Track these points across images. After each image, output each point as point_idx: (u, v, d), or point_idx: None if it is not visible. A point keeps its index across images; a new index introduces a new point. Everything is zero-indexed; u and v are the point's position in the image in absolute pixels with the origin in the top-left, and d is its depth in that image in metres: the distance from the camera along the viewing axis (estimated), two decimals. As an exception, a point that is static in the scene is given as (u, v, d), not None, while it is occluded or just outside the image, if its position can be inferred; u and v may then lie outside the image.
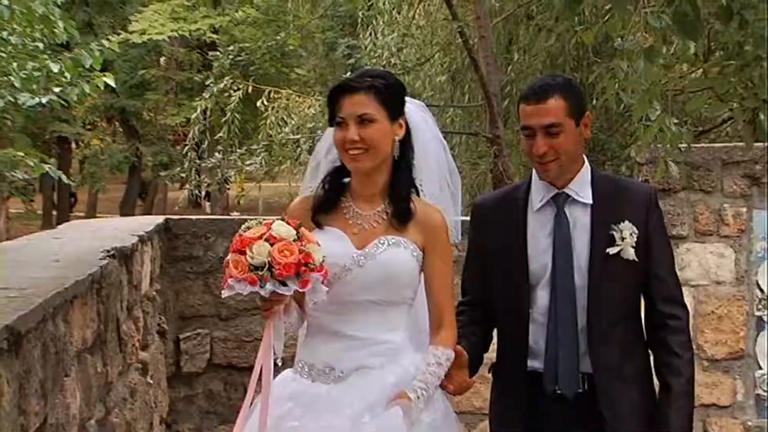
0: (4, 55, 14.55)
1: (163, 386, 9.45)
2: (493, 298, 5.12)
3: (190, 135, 23.44)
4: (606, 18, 6.39)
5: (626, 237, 4.69)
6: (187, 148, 24.02)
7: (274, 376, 4.71)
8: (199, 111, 22.37)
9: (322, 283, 4.44)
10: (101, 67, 15.67)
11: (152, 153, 41.25)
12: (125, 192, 46.30)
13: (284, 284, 4.31)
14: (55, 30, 15.41)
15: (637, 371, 4.94)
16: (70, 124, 37.65)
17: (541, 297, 4.91)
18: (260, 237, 4.37)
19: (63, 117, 31.69)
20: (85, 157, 44.64)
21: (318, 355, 4.78)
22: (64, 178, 22.45)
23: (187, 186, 25.19)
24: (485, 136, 18.81)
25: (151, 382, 8.84)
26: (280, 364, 4.73)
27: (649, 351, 5.09)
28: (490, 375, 5.47)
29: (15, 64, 14.65)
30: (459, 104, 20.73)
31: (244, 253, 4.35)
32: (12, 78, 14.59)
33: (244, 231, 4.47)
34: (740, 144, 11.29)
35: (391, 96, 4.73)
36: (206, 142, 21.53)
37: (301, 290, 4.39)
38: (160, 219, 10.68)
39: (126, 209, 41.50)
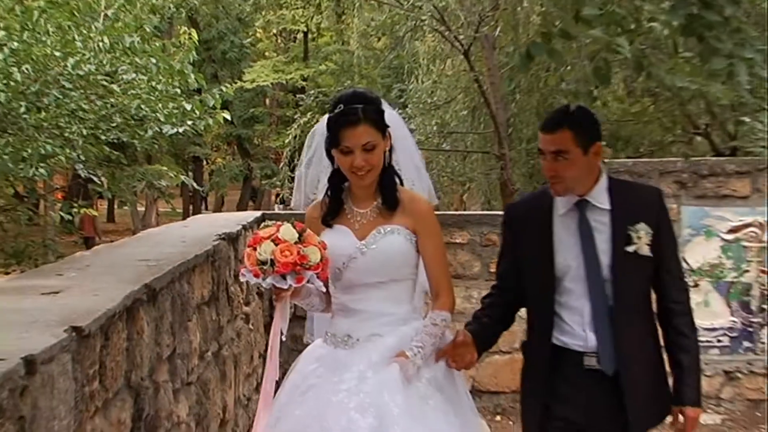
0: (152, 98, 14.63)
1: (261, 331, 9.53)
2: (524, 286, 4.84)
3: (285, 154, 23.73)
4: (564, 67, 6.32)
5: (642, 236, 4.47)
6: (282, 164, 24.31)
7: (280, 348, 4.57)
8: (291, 137, 22.46)
9: (319, 278, 4.30)
10: (222, 106, 15.80)
11: (260, 167, 41.57)
12: (240, 196, 46.86)
13: (284, 278, 4.17)
14: (188, 80, 15.53)
15: (651, 353, 4.71)
16: (201, 147, 37.98)
17: (571, 287, 4.64)
18: (269, 237, 4.24)
19: (196, 142, 31.84)
20: (212, 170, 45.15)
21: (339, 327, 4.61)
22: (195, 185, 22.33)
23: (282, 191, 25.62)
24: (495, 154, 18.84)
25: (252, 328, 8.95)
26: (284, 339, 4.61)
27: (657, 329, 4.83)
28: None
29: (160, 105, 14.73)
30: (476, 131, 20.75)
31: (255, 248, 4.23)
32: (158, 114, 14.68)
33: (261, 229, 4.36)
34: (673, 159, 11.37)
35: (381, 118, 4.51)
36: (296, 159, 21.57)
37: (296, 285, 4.23)
38: (258, 213, 10.83)
39: (241, 208, 42.10)
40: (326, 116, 4.65)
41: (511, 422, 9.75)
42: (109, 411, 3.98)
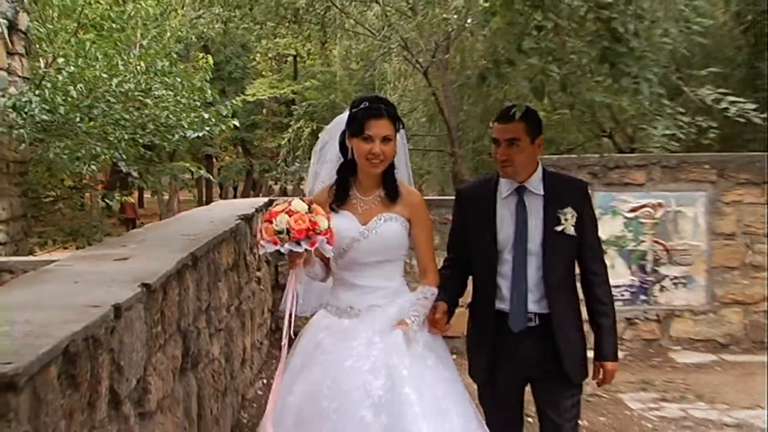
0: (178, 109, 14.68)
1: (269, 291, 9.59)
2: (470, 257, 4.68)
3: (281, 153, 23.61)
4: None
5: (568, 218, 4.39)
6: (279, 161, 24.18)
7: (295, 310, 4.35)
8: (285, 140, 22.36)
9: (328, 243, 4.15)
10: (231, 115, 15.88)
11: (259, 164, 41.34)
12: (243, 186, 46.69)
13: (299, 244, 4.03)
14: (206, 95, 15.56)
15: (574, 313, 4.56)
16: (212, 147, 37.76)
17: (509, 258, 4.48)
18: (283, 210, 4.11)
19: (209, 143, 31.69)
20: (221, 166, 44.89)
21: (341, 299, 4.44)
22: (212, 178, 22.25)
23: (279, 182, 25.51)
24: (447, 152, 18.82)
25: (263, 288, 9.00)
26: (301, 302, 4.57)
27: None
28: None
29: (184, 114, 14.78)
30: (432, 134, 20.76)
31: (271, 222, 4.09)
32: (183, 122, 14.73)
33: (273, 207, 4.20)
34: (587, 155, 11.62)
35: (398, 119, 4.43)
36: (290, 157, 21.52)
37: (310, 248, 4.08)
38: (265, 199, 10.81)
39: (245, 196, 42.02)
40: (337, 120, 4.65)
41: (464, 360, 9.86)
42: (166, 348, 4.12)
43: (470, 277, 4.79)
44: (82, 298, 3.15)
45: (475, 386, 4.87)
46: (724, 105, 6.14)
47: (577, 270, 4.78)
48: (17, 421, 2.18)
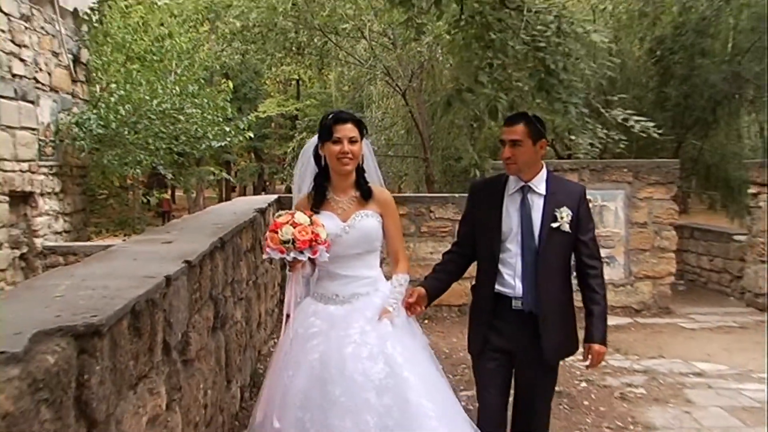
0: (204, 124, 14.78)
1: (278, 268, 9.40)
2: (476, 245, 4.42)
3: (286, 159, 23.51)
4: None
5: (564, 217, 4.14)
6: (284, 165, 24.12)
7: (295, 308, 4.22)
8: (290, 148, 22.28)
9: (326, 251, 3.96)
10: (246, 128, 15.98)
11: (268, 168, 41.23)
12: (255, 186, 46.53)
13: (302, 253, 3.88)
14: (227, 112, 15.65)
15: (563, 303, 4.27)
16: (230, 154, 37.58)
17: (510, 248, 4.24)
18: (287, 222, 3.93)
19: (227, 151, 31.65)
20: (238, 169, 44.72)
21: (327, 288, 4.21)
22: (230, 178, 22.21)
23: (285, 183, 25.44)
24: (421, 158, 18.87)
25: (274, 267, 8.96)
26: (300, 300, 4.31)
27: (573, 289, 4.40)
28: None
29: (209, 128, 14.86)
30: (409, 144, 20.71)
31: (276, 232, 3.91)
32: (208, 134, 14.82)
33: (277, 218, 4.03)
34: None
35: (362, 125, 4.23)
36: (294, 162, 21.56)
37: (312, 257, 3.91)
38: (275, 196, 10.80)
39: (257, 194, 41.90)
40: (310, 142, 4.46)
41: (433, 324, 9.91)
42: (202, 311, 4.21)
43: (469, 264, 4.59)
44: (142, 271, 3.27)
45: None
46: (631, 123, 6.37)
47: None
48: (102, 359, 2.34)
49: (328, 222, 4.08)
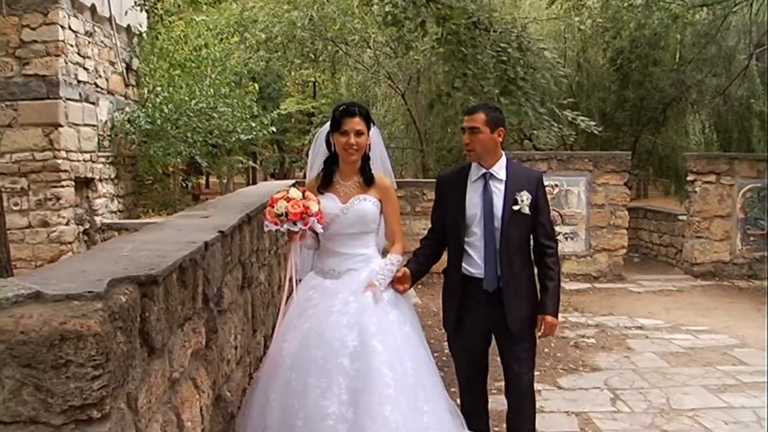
0: (234, 120, 14.98)
1: None
2: (445, 231, 4.28)
3: (304, 150, 23.50)
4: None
5: (524, 200, 3.98)
6: (303, 155, 24.18)
7: (296, 276, 4.09)
8: (307, 141, 22.24)
9: (318, 222, 3.87)
10: (269, 124, 16.20)
11: (289, 157, 41.24)
12: (278, 173, 46.58)
13: (295, 224, 3.79)
14: (253, 111, 15.88)
15: (526, 280, 4.11)
16: (256, 146, 37.57)
17: (475, 231, 4.08)
18: (281, 197, 3.87)
19: (253, 143, 31.74)
20: (263, 159, 44.75)
21: (326, 263, 4.09)
22: (256, 166, 22.37)
23: (303, 170, 25.54)
24: (418, 149, 19.05)
25: None
26: (299, 269, 4.19)
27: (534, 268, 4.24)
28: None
29: (239, 124, 15.10)
30: (408, 137, 20.88)
31: (273, 206, 3.88)
32: (238, 129, 15.05)
33: (275, 194, 3.96)
34: (508, 152, 12.06)
35: (369, 118, 4.10)
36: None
37: (304, 227, 3.81)
38: (293, 181, 10.87)
39: (278, 180, 41.81)
40: (323, 128, 4.30)
41: (425, 288, 9.88)
42: (233, 272, 4.36)
43: (443, 248, 4.43)
44: (185, 238, 3.49)
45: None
46: (578, 121, 6.67)
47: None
48: (158, 301, 2.64)
49: (329, 203, 4.01)
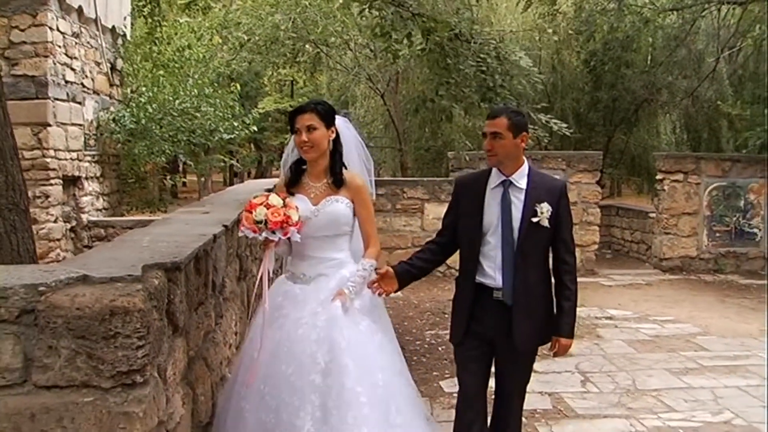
0: (217, 120, 15.10)
1: None
2: (459, 238, 4.03)
3: (284, 149, 23.59)
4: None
5: (544, 212, 3.75)
6: (280, 154, 24.27)
7: (269, 283, 3.85)
8: (285, 139, 22.32)
9: (298, 232, 3.70)
10: (251, 123, 16.43)
11: (266, 156, 41.25)
12: (255, 172, 46.35)
13: (273, 233, 3.64)
14: (234, 110, 16.09)
15: (540, 295, 3.88)
16: (233, 145, 37.56)
17: (491, 241, 3.87)
18: (261, 203, 3.71)
19: (232, 142, 31.73)
20: (238, 158, 44.57)
21: (297, 267, 3.93)
22: (237, 165, 22.46)
23: (279, 169, 25.49)
24: (397, 148, 19.19)
25: None
26: (273, 276, 3.97)
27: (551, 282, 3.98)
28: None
29: (221, 123, 15.28)
30: (387, 137, 21.07)
31: (251, 212, 3.70)
32: (220, 128, 15.22)
33: (253, 198, 3.79)
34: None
35: (326, 113, 3.88)
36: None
37: (283, 237, 3.67)
38: (278, 179, 11.25)
39: (257, 179, 41.61)
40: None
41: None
42: (232, 264, 4.64)
43: (447, 254, 4.21)
44: (195, 231, 3.83)
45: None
46: (551, 124, 7.07)
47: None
48: (180, 286, 2.97)
49: (300, 204, 3.84)
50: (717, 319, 8.77)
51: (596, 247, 12.43)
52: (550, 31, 15.84)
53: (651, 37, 17.12)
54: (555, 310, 3.92)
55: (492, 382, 4.13)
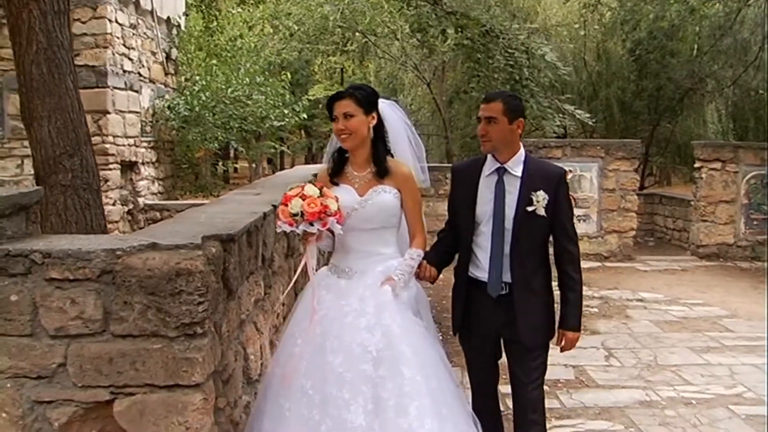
0: (268, 107, 15.43)
1: None
2: (456, 227, 3.90)
3: (331, 136, 23.74)
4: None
5: (540, 200, 3.58)
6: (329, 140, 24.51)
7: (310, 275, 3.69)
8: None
9: (337, 222, 3.49)
10: (301, 111, 16.81)
11: (316, 143, 41.42)
12: (305, 158, 46.59)
13: (312, 225, 3.44)
14: (285, 98, 16.45)
15: (540, 286, 3.72)
16: (284, 132, 37.73)
17: (484, 231, 3.72)
18: (297, 195, 3.51)
19: (282, 129, 31.98)
20: (289, 145, 44.76)
21: (342, 261, 3.71)
22: (287, 151, 22.90)
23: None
24: (443, 136, 19.43)
25: None
26: (315, 272, 3.77)
27: (551, 272, 3.82)
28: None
29: (272, 111, 15.63)
30: (433, 124, 21.22)
31: (287, 205, 3.51)
32: (271, 116, 15.60)
33: (288, 190, 3.60)
34: (525, 139, 12.61)
35: (365, 98, 3.64)
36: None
37: (322, 229, 3.45)
38: (326, 165, 11.57)
39: (306, 164, 41.71)
40: None
41: None
42: (280, 241, 4.88)
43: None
44: (247, 209, 4.15)
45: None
46: (577, 114, 7.38)
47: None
48: (234, 255, 3.30)
49: (345, 195, 3.65)
50: (748, 304, 8.94)
51: (633, 233, 12.60)
52: (594, 20, 15.94)
53: (696, 26, 17.07)
54: (560, 302, 3.80)
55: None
